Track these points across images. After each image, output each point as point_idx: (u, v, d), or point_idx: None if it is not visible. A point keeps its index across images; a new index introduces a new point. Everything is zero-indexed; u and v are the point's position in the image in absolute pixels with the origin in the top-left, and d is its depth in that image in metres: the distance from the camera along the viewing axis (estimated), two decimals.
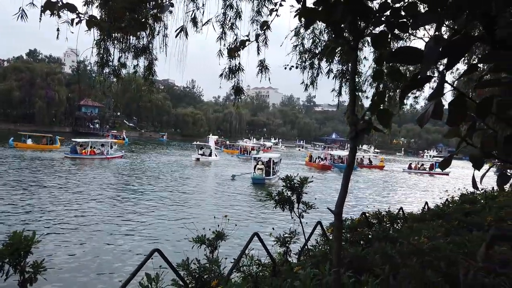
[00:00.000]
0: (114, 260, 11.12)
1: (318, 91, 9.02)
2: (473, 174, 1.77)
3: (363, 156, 60.34)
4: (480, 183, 1.72)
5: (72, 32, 3.20)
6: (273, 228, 5.28)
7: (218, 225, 3.86)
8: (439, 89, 1.55)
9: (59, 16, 2.95)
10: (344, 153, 54.74)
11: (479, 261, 3.22)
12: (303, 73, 8.34)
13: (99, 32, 4.20)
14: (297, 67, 8.06)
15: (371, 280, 2.90)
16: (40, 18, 2.56)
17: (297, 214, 4.04)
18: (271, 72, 5.92)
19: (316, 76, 8.52)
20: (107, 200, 19.32)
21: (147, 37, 6.57)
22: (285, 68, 7.82)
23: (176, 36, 4.68)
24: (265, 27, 3.49)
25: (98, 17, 4.98)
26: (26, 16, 2.73)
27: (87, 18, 2.30)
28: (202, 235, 3.72)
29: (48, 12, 2.43)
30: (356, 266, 3.51)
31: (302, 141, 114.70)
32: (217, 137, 70.05)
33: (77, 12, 2.22)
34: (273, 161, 31.52)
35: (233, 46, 4.32)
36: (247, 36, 3.08)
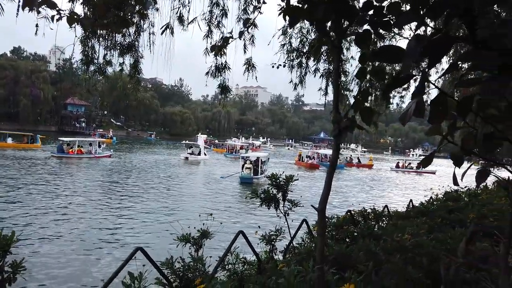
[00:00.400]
0: (97, 259, 11.06)
1: (306, 90, 9.08)
2: (454, 171, 1.81)
3: (351, 155, 60.93)
4: (461, 180, 1.75)
5: (51, 29, 3.15)
6: (259, 226, 5.29)
7: (204, 224, 3.86)
8: (421, 87, 1.57)
9: (38, 12, 2.90)
10: (330, 152, 54.93)
11: (460, 256, 3.28)
12: (291, 72, 8.38)
13: (82, 29, 4.14)
14: (284, 66, 8.09)
15: (354, 276, 2.92)
16: (17, 13, 2.51)
17: (283, 212, 4.06)
18: (257, 71, 5.92)
19: (304, 75, 8.56)
20: (93, 199, 19.10)
21: (133, 34, 6.51)
22: (273, 66, 7.84)
23: (162, 34, 4.65)
24: (248, 25, 3.49)
25: (83, 14, 4.92)
26: (3, 10, 2.67)
27: (68, 15, 2.27)
28: (187, 234, 3.71)
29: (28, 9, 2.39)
30: (340, 263, 3.53)
31: (291, 140, 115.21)
32: (206, 136, 69.93)
33: (57, 8, 2.18)
34: (261, 160, 31.56)
35: (217, 44, 4.31)
36: (230, 33, 3.08)
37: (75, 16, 2.31)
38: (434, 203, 8.11)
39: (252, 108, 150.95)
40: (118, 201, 19.20)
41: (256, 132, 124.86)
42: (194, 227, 3.87)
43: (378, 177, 44.56)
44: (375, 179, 41.40)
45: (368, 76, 2.39)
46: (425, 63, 1.74)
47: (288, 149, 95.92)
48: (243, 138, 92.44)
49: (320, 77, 8.68)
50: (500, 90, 1.31)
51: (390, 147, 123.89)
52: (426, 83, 1.58)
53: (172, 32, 5.19)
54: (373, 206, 6.89)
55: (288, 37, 7.89)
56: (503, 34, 1.25)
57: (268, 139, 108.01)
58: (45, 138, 47.62)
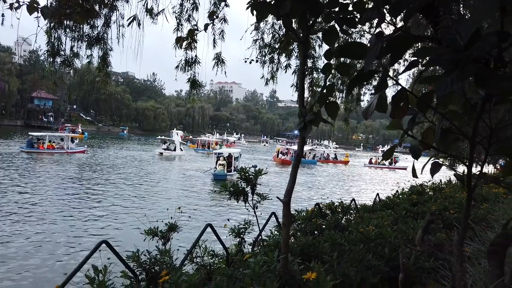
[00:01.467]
0: (63, 254, 10.92)
1: (281, 86, 9.22)
2: (413, 164, 1.90)
3: (324, 151, 61.98)
4: (421, 173, 1.85)
5: (18, 19, 3.05)
6: (228, 220, 5.34)
7: (171, 217, 3.85)
8: (382, 83, 1.64)
9: (4, 1, 2.80)
10: (305, 148, 55.87)
11: (417, 245, 3.45)
12: (263, 67, 8.45)
13: (44, 19, 4.01)
14: (257, 61, 8.14)
15: (319, 266, 3.01)
16: None
17: (252, 205, 4.11)
18: (227, 66, 5.92)
19: (276, 70, 8.63)
20: (62, 194, 18.65)
21: (102, 26, 6.36)
22: (245, 61, 7.87)
23: (128, 25, 4.57)
24: (213, 17, 3.49)
25: (49, 4, 4.76)
26: None
27: (28, 3, 2.21)
28: (154, 227, 3.69)
29: None
30: (306, 253, 3.63)
31: (265, 137, 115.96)
32: (181, 131, 69.18)
33: None
34: (233, 156, 31.55)
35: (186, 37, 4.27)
36: (196, 25, 3.08)
37: (35, 5, 2.25)
38: (400, 196, 8.40)
39: (227, 103, 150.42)
40: (88, 197, 18.81)
41: (230, 128, 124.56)
42: (162, 221, 3.86)
43: (352, 173, 45.54)
44: (349, 175, 42.29)
45: (336, 73, 2.46)
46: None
47: (264, 145, 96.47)
48: (217, 134, 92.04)
49: (292, 73, 8.79)
50: (451, 86, 1.39)
51: (361, 144, 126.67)
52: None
53: (139, 24, 5.10)
54: (341, 199, 7.06)
55: (261, 33, 7.94)
56: (457, 32, 1.33)
57: (242, 135, 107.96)
58: None
